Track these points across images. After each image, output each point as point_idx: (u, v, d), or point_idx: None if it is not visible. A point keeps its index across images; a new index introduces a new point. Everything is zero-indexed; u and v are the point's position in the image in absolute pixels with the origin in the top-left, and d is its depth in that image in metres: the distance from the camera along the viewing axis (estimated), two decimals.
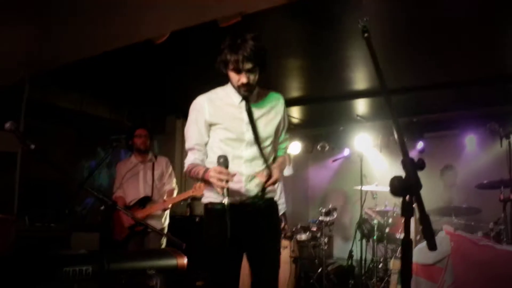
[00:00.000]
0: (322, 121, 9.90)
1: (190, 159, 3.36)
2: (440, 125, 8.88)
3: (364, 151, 8.50)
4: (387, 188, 1.75)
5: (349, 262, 7.91)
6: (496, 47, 5.69)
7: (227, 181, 2.92)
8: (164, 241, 5.78)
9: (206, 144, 3.35)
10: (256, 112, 3.24)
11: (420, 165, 1.72)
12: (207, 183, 3.20)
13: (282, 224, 6.17)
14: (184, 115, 9.28)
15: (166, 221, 5.98)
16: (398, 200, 1.69)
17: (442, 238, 4.89)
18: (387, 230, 7.23)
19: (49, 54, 5.71)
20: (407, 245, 1.72)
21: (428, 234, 1.66)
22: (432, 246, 1.65)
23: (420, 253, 4.83)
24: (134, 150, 6.00)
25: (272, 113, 3.34)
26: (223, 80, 3.20)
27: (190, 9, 4.57)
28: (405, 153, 1.73)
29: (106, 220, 5.77)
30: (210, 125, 3.27)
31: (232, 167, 3.06)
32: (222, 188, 2.92)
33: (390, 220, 7.30)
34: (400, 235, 6.88)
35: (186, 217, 8.05)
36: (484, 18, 4.89)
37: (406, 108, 8.17)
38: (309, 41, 5.82)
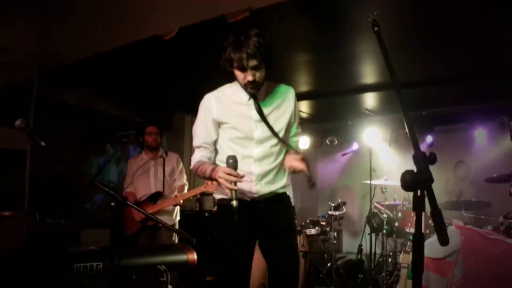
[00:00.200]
0: (331, 116, 9.88)
1: (197, 157, 3.34)
2: (449, 118, 8.84)
3: (373, 145, 8.48)
4: (396, 182, 1.74)
5: (359, 256, 7.91)
6: (507, 40, 5.65)
7: (235, 183, 2.90)
8: (176, 236, 5.82)
9: (214, 143, 3.33)
10: (265, 109, 3.19)
11: (432, 159, 1.71)
12: (215, 181, 3.16)
13: None
14: (193, 111, 9.32)
15: (177, 217, 6.03)
16: (407, 194, 1.70)
17: (452, 232, 4.87)
18: (396, 224, 7.22)
19: (58, 51, 5.73)
20: (418, 240, 1.71)
21: (440, 228, 1.65)
22: (444, 241, 1.64)
23: (430, 247, 4.81)
24: (145, 147, 6.05)
25: (282, 109, 3.28)
26: (232, 75, 3.17)
27: (198, 5, 4.58)
28: (416, 147, 1.72)
29: (116, 216, 5.80)
30: (219, 124, 3.24)
31: (242, 167, 3.04)
32: (231, 190, 2.90)
33: (399, 214, 7.28)
34: (410, 229, 6.87)
35: (196, 212, 8.07)
36: (494, 11, 4.86)
37: (415, 102, 8.14)
38: (317, 35, 5.81)
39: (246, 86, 3.07)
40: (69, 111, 7.60)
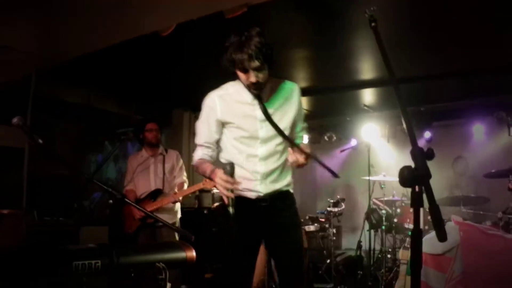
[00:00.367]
0: (329, 112, 9.87)
1: (198, 154, 3.35)
2: (447, 114, 8.84)
3: (371, 141, 8.48)
4: (394, 178, 1.74)
5: (358, 252, 7.90)
6: (505, 37, 5.64)
7: (232, 190, 2.92)
8: (176, 234, 5.79)
9: (217, 142, 3.33)
10: (270, 108, 3.16)
11: (429, 155, 1.70)
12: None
13: None
14: (192, 108, 9.34)
15: (178, 214, 6.04)
16: (406, 190, 1.69)
17: (451, 227, 4.87)
18: (395, 220, 7.21)
19: (56, 48, 5.71)
20: (417, 236, 1.71)
21: (438, 224, 1.65)
22: (442, 237, 1.64)
23: (428, 243, 4.81)
24: (145, 144, 6.05)
25: (286, 107, 3.26)
26: (234, 75, 3.15)
27: (196, 1, 4.56)
28: (414, 143, 1.72)
29: (114, 214, 5.80)
30: (223, 123, 3.23)
31: (247, 166, 3.12)
32: (228, 197, 2.93)
33: (398, 210, 7.28)
34: (409, 225, 6.87)
35: (194, 209, 8.06)
36: (493, 6, 4.86)
37: (414, 97, 8.14)
38: (315, 31, 5.80)
39: (249, 87, 3.05)
40: (67, 109, 7.59)
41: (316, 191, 10.75)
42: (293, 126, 3.33)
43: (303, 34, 5.89)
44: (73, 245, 4.83)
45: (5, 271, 3.05)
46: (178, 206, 6.02)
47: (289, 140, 3.20)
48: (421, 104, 8.56)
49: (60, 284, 3.27)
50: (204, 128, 3.30)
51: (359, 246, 7.89)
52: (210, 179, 3.17)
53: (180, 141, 9.10)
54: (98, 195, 8.23)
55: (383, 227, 7.32)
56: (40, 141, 3.04)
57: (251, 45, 2.89)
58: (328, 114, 9.98)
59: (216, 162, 3.34)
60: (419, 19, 5.22)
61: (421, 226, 5.27)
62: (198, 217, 7.63)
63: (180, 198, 5.86)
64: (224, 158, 3.32)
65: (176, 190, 5.90)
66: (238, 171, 3.06)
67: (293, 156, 3.07)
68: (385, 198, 7.66)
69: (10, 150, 6.03)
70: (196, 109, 9.38)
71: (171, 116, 9.35)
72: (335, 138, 9.83)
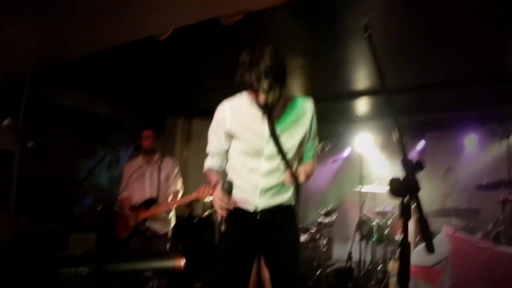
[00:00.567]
0: (322, 121, 9.84)
1: (208, 163, 3.42)
2: (440, 125, 8.85)
3: (364, 151, 8.48)
4: (387, 189, 1.72)
5: (348, 264, 7.87)
6: (496, 47, 5.66)
7: (227, 210, 2.96)
8: (168, 243, 5.86)
9: (226, 151, 3.36)
10: (279, 127, 3.13)
11: (420, 166, 1.69)
12: None
13: None
14: (186, 115, 9.30)
15: (170, 224, 5.97)
16: (398, 201, 1.67)
17: (441, 239, 4.87)
18: (386, 231, 7.19)
19: (50, 51, 5.70)
20: (405, 247, 1.69)
21: (427, 236, 1.64)
22: (430, 249, 1.63)
23: (418, 255, 4.81)
24: (141, 151, 6.02)
25: (296, 125, 3.23)
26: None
27: (192, 7, 4.56)
28: (404, 154, 1.70)
29: (102, 220, 5.77)
30: (231, 135, 3.24)
31: (248, 179, 3.16)
32: (221, 215, 2.99)
33: (389, 222, 7.27)
34: (400, 237, 6.85)
35: (185, 218, 8.03)
36: (484, 18, 4.88)
37: (407, 108, 8.15)
38: (310, 39, 5.80)
39: (260, 107, 2.98)
40: (60, 112, 7.55)
41: (307, 201, 10.70)
42: (302, 144, 3.32)
43: (298, 42, 5.88)
44: (60, 252, 4.79)
45: None
46: (172, 215, 5.97)
47: (287, 164, 3.15)
48: (415, 114, 8.56)
49: None
50: (214, 138, 3.35)
51: (349, 258, 7.86)
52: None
53: (174, 148, 9.07)
54: (88, 201, 8.18)
55: (373, 239, 7.30)
56: (30, 144, 3.02)
57: (260, 65, 2.81)
58: (321, 123, 9.93)
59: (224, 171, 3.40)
60: (414, 29, 5.23)
61: (412, 237, 5.31)
62: (188, 226, 7.60)
63: (173, 207, 5.85)
64: (229, 168, 3.36)
65: (170, 198, 5.87)
66: (239, 183, 3.11)
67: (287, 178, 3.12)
68: (377, 209, 7.65)
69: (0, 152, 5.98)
70: (190, 116, 9.37)
71: (165, 122, 9.31)
72: (328, 147, 9.82)
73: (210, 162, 3.40)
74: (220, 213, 2.98)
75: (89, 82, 7.38)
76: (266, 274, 3.40)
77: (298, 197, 3.35)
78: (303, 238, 7.47)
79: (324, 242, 7.48)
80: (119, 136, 6.02)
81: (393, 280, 5.82)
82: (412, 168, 1.66)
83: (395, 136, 1.80)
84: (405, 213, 1.66)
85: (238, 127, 3.18)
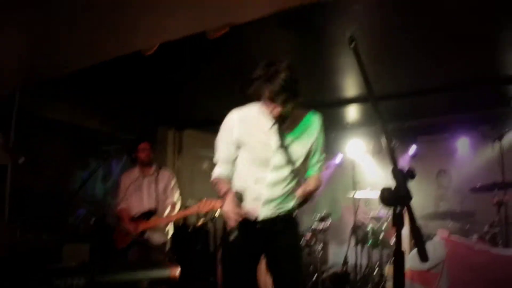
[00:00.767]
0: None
1: (216, 172, 3.42)
2: (432, 129, 8.88)
3: (356, 157, 8.49)
4: (379, 196, 1.72)
5: (344, 268, 7.86)
6: (488, 50, 5.68)
7: (237, 220, 2.99)
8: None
9: (234, 161, 3.38)
10: (288, 138, 3.21)
11: (410, 175, 1.69)
12: None
13: None
14: (176, 126, 9.30)
15: (169, 233, 6.05)
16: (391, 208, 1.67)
17: (437, 243, 4.87)
18: (381, 235, 7.20)
19: (41, 66, 5.69)
20: (399, 256, 1.69)
21: (420, 245, 1.64)
22: (423, 258, 1.63)
23: (415, 259, 4.81)
24: (138, 163, 6.08)
25: (303, 139, 3.30)
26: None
27: (178, 21, 4.56)
28: (394, 163, 1.70)
29: (96, 231, 5.78)
30: (239, 144, 3.28)
31: (253, 188, 3.21)
32: (231, 226, 3.01)
33: (384, 226, 7.27)
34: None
35: (179, 227, 8.02)
36: (476, 22, 4.89)
37: (399, 113, 8.17)
38: (297, 49, 5.79)
39: (273, 118, 3.09)
40: (51, 126, 7.53)
41: (301, 208, 10.71)
42: (308, 157, 3.36)
43: (285, 52, 5.87)
44: (55, 263, 4.78)
45: None
46: (169, 225, 6.03)
47: (298, 171, 3.25)
48: (406, 119, 8.59)
49: None
50: (223, 147, 3.37)
51: (345, 262, 7.85)
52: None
53: (165, 159, 9.03)
54: (82, 212, 8.15)
55: (369, 243, 7.30)
56: (21, 160, 3.01)
57: (279, 78, 2.93)
58: None
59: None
60: (404, 34, 5.23)
61: (407, 242, 5.30)
62: (183, 235, 7.58)
63: (174, 220, 5.96)
64: (235, 177, 3.39)
65: (168, 209, 5.93)
66: (244, 192, 3.17)
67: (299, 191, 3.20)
68: (371, 214, 7.66)
69: None
70: (180, 127, 9.36)
71: (156, 133, 9.29)
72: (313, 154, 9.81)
73: (219, 171, 3.40)
74: (231, 223, 3.00)
75: (79, 96, 7.36)
76: (268, 279, 3.41)
77: (301, 207, 3.45)
78: None
79: (320, 247, 7.47)
80: (111, 148, 6.02)
81: (389, 284, 5.82)
82: (403, 177, 1.66)
83: (384, 144, 1.81)
84: (397, 222, 1.65)
85: (246, 137, 3.24)
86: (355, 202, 7.62)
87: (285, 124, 3.17)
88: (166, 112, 8.53)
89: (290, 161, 3.21)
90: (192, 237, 7.84)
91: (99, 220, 3.23)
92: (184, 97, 7.45)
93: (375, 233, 7.28)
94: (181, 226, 8.01)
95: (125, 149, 6.74)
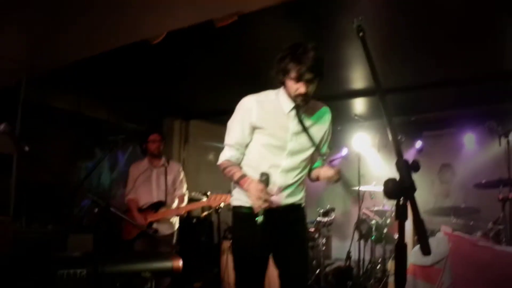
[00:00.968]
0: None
1: (226, 155, 3.37)
2: (438, 123, 8.84)
3: (362, 150, 8.47)
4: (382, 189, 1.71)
5: (347, 263, 7.86)
6: (494, 45, 5.65)
7: (265, 201, 2.95)
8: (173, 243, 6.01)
9: (246, 145, 3.35)
10: (305, 123, 3.24)
11: (415, 166, 1.68)
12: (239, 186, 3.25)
13: None
14: (182, 116, 9.29)
15: (176, 225, 6.12)
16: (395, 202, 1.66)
17: (440, 238, 4.86)
18: (385, 230, 7.18)
19: (46, 56, 5.69)
20: (401, 249, 1.68)
21: (422, 238, 1.62)
22: (426, 251, 1.62)
23: (418, 254, 4.80)
24: (147, 154, 6.16)
25: (317, 126, 3.35)
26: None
27: (186, 9, 4.54)
28: (399, 155, 1.69)
29: (100, 222, 5.81)
30: (255, 128, 3.26)
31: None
32: (259, 206, 2.96)
33: (388, 221, 7.25)
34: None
35: (183, 218, 8.04)
36: (482, 16, 4.86)
37: (405, 107, 8.14)
38: (305, 40, 5.77)
39: (296, 97, 3.12)
40: (57, 116, 7.54)
41: (305, 201, 10.70)
42: (318, 147, 3.37)
43: (293, 43, 5.87)
44: (59, 253, 4.79)
45: None
46: (175, 216, 6.10)
47: (318, 153, 3.33)
48: (412, 113, 8.56)
49: None
50: (238, 129, 3.32)
51: (348, 257, 7.85)
52: (238, 184, 3.23)
53: (171, 150, 9.05)
54: (87, 203, 8.16)
55: (373, 238, 7.29)
56: (27, 148, 3.02)
57: (309, 57, 3.00)
58: None
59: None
60: (410, 28, 5.21)
61: (411, 237, 5.29)
62: (187, 226, 7.60)
63: (183, 212, 6.05)
64: (245, 164, 3.35)
65: (177, 202, 6.02)
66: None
67: (326, 172, 3.24)
68: (375, 208, 7.64)
69: None
70: (187, 117, 9.35)
71: (162, 124, 9.30)
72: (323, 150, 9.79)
73: (229, 154, 3.36)
74: (259, 205, 2.95)
75: (85, 85, 7.37)
76: (270, 272, 3.40)
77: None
78: None
79: (323, 241, 7.47)
80: (117, 138, 6.03)
81: (392, 279, 5.80)
82: (407, 168, 1.65)
83: (390, 136, 1.80)
84: (401, 214, 1.64)
85: (264, 120, 3.23)
86: (360, 196, 7.61)
87: (303, 109, 3.22)
88: (172, 102, 8.52)
89: (304, 147, 3.26)
90: (196, 228, 7.87)
91: (102, 210, 3.23)
92: (190, 87, 7.44)
93: (379, 228, 7.27)
94: (186, 218, 8.03)
95: (135, 140, 6.77)
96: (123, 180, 7.80)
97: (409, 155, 8.82)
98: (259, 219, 2.92)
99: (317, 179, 3.49)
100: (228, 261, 6.17)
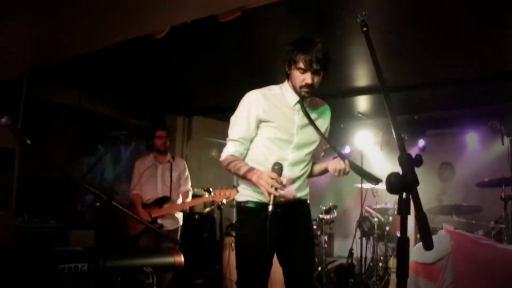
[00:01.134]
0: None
1: (230, 150, 3.32)
2: (441, 122, 8.84)
3: (365, 148, 8.46)
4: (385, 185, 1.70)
5: (349, 260, 7.86)
6: (497, 44, 5.63)
7: (276, 189, 2.91)
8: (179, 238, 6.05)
9: (251, 140, 3.33)
10: (310, 116, 3.25)
11: (418, 161, 1.67)
12: (246, 181, 3.21)
13: None
14: (185, 112, 9.29)
15: (180, 220, 6.16)
16: (397, 198, 1.65)
17: (442, 236, 4.85)
18: (387, 228, 7.19)
19: (49, 50, 5.69)
20: (403, 245, 1.67)
21: (425, 233, 1.62)
22: (428, 246, 1.61)
23: (419, 252, 4.80)
24: (153, 150, 6.21)
25: (320, 121, 3.37)
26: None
27: (190, 4, 4.54)
28: (402, 149, 1.69)
29: (101, 217, 5.83)
30: (261, 122, 3.25)
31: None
32: (271, 194, 2.90)
33: (390, 218, 7.26)
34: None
35: (186, 214, 8.04)
36: (485, 15, 4.85)
37: (408, 106, 8.13)
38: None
39: (301, 88, 3.13)
40: (59, 111, 7.55)
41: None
42: (321, 141, 3.41)
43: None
44: (60, 248, 4.79)
45: None
46: (180, 212, 6.15)
47: (330, 144, 3.34)
48: (415, 112, 8.54)
49: (46, 286, 3.24)
50: (243, 123, 3.28)
51: (350, 254, 7.85)
52: (244, 178, 3.18)
53: (173, 146, 9.04)
54: (90, 198, 8.18)
55: (374, 236, 7.29)
56: (28, 142, 3.02)
57: (317, 49, 3.04)
58: None
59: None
60: (414, 26, 5.20)
61: (413, 234, 5.29)
62: (189, 223, 7.60)
63: (187, 207, 6.11)
64: (250, 159, 3.32)
65: (181, 198, 6.08)
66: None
67: (334, 165, 3.18)
68: (378, 206, 7.64)
69: (0, 150, 5.98)
70: (190, 113, 9.35)
71: (165, 120, 9.31)
72: (328, 145, 9.78)
73: (233, 149, 3.30)
74: (272, 192, 2.88)
75: (87, 80, 7.37)
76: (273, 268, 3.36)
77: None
78: None
79: (325, 238, 7.48)
80: (119, 134, 6.06)
81: (394, 277, 5.79)
82: (410, 163, 1.65)
83: (393, 130, 1.79)
84: (404, 209, 1.64)
85: (270, 113, 3.22)
86: (362, 194, 7.60)
87: (307, 102, 3.25)
88: (175, 98, 8.52)
89: (310, 140, 3.29)
90: (198, 224, 7.87)
91: (104, 205, 3.22)
92: (193, 83, 7.43)
93: (381, 225, 7.28)
94: (188, 214, 8.04)
95: (138, 135, 6.79)
96: (126, 175, 7.82)
97: (412, 153, 8.81)
98: (270, 207, 2.85)
99: (321, 173, 3.50)
100: (230, 258, 6.17)
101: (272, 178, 2.90)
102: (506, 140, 5.83)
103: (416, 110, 8.48)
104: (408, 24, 5.15)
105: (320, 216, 7.57)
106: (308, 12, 4.90)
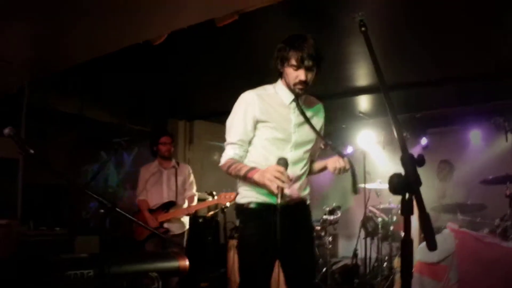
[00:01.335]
0: (324, 119, 9.82)
1: (229, 154, 3.28)
2: (444, 120, 8.82)
3: (367, 148, 8.46)
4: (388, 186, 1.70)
5: (354, 261, 7.86)
6: (499, 40, 5.62)
7: (283, 182, 2.89)
8: (185, 243, 6.15)
9: (249, 142, 3.31)
10: (306, 113, 3.24)
11: (420, 161, 1.67)
12: (247, 182, 3.20)
13: None
14: (186, 117, 9.30)
15: (187, 224, 6.23)
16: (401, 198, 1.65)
17: (446, 235, 4.85)
18: (391, 228, 7.18)
19: (49, 58, 5.71)
20: (406, 245, 1.67)
21: (428, 233, 1.61)
22: (432, 246, 1.60)
23: (424, 251, 4.79)
24: (158, 156, 6.27)
25: (315, 119, 3.37)
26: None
27: (187, 10, 4.55)
28: (404, 149, 1.69)
29: (104, 223, 5.86)
30: (258, 122, 3.23)
31: None
32: (278, 187, 2.88)
33: (394, 218, 7.25)
34: None
35: (190, 218, 8.04)
36: (486, 11, 4.84)
37: (409, 104, 8.12)
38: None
39: (295, 86, 3.14)
40: (61, 119, 7.57)
41: (311, 199, 10.65)
42: (317, 140, 3.42)
43: None
44: (66, 254, 4.80)
45: None
46: (185, 216, 6.20)
47: (326, 142, 3.38)
48: (417, 110, 8.53)
49: None
50: (240, 126, 3.26)
51: (355, 255, 7.84)
52: (246, 179, 3.16)
53: (175, 151, 9.06)
54: (94, 205, 8.20)
55: (378, 236, 7.28)
56: (31, 151, 3.02)
57: (309, 45, 3.04)
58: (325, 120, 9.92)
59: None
60: (414, 24, 5.20)
61: (417, 234, 5.28)
62: (193, 226, 7.61)
63: (193, 211, 6.16)
64: (251, 160, 3.29)
65: (187, 202, 6.13)
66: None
67: (334, 163, 3.20)
68: (382, 206, 7.62)
69: (4, 160, 6.02)
70: (191, 118, 9.36)
71: (166, 125, 9.32)
72: (323, 142, 9.75)
73: (232, 152, 3.27)
74: (278, 184, 2.86)
75: (87, 88, 7.39)
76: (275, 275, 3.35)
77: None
78: None
79: (329, 239, 7.47)
80: (121, 140, 6.08)
81: (398, 277, 5.78)
82: (412, 163, 1.65)
83: (394, 131, 1.79)
84: (406, 209, 1.63)
85: (267, 113, 3.21)
86: (366, 194, 7.59)
87: (301, 101, 3.24)
88: (176, 103, 8.53)
89: (307, 138, 3.29)
90: (202, 228, 7.88)
91: (108, 211, 3.23)
92: (193, 87, 7.44)
93: (385, 225, 7.26)
94: (192, 218, 8.04)
95: (140, 141, 6.80)
96: (130, 181, 7.84)
97: (414, 152, 8.78)
98: (278, 201, 2.85)
99: (320, 171, 3.51)
100: (234, 261, 6.19)
101: (281, 172, 2.88)
102: (510, 136, 5.82)
103: (417, 108, 8.47)
104: (409, 20, 5.14)
105: (324, 217, 7.56)
106: (306, 12, 4.90)
